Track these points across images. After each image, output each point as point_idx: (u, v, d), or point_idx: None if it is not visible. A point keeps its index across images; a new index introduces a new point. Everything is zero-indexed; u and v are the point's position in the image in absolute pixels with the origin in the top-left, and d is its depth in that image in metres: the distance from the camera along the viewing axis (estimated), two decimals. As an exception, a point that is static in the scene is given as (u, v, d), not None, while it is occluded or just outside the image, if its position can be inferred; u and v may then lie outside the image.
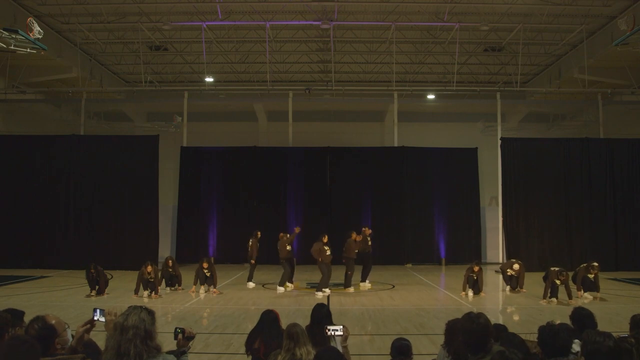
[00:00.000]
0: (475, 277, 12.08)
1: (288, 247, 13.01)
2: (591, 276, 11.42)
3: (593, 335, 2.99)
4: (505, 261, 15.68)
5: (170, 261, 12.83)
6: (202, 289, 12.43)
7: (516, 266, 12.66)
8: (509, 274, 12.76)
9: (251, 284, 13.52)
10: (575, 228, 18.08)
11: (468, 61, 21.56)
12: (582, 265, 11.87)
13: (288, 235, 13.27)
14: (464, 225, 19.78)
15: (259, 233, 14.00)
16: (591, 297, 11.35)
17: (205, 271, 12.41)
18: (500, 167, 18.86)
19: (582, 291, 11.42)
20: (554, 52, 20.43)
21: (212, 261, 13.57)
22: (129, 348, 2.58)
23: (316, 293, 12.02)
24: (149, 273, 11.64)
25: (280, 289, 12.70)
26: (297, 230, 13.43)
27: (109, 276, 12.69)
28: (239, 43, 20.41)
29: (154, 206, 17.92)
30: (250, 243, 13.67)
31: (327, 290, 12.16)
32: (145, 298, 11.54)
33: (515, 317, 10.16)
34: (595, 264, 11.49)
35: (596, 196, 18.20)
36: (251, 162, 19.81)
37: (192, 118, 20.70)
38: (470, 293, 12.05)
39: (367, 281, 13.75)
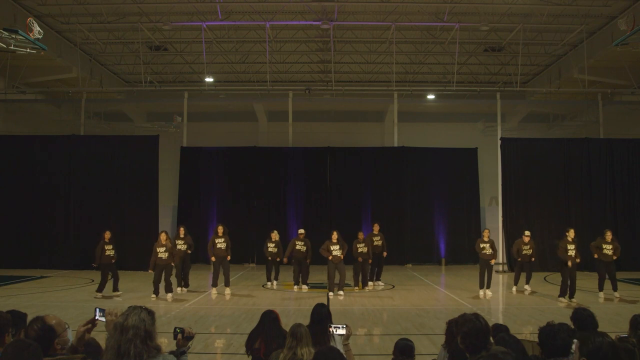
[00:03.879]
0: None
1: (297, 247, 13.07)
2: (607, 246, 11.42)
3: (593, 336, 2.99)
4: (505, 260, 15.65)
5: (182, 230, 12.85)
6: (215, 290, 12.31)
7: (527, 232, 12.71)
8: (524, 252, 12.67)
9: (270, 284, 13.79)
10: (575, 228, 17.96)
11: (468, 61, 21.54)
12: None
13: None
14: (464, 225, 19.78)
15: (273, 235, 13.82)
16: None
17: (220, 241, 12.19)
18: (500, 167, 18.85)
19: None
20: (554, 52, 20.41)
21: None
22: (129, 348, 2.58)
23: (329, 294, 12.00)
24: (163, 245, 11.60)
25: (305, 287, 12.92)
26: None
27: (109, 276, 12.67)
28: (239, 43, 20.40)
29: (154, 206, 17.92)
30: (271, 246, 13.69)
31: (341, 292, 12.07)
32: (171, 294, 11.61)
33: (516, 317, 10.15)
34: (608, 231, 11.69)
35: (596, 196, 18.19)
36: (251, 162, 19.80)
37: (192, 118, 20.69)
38: (489, 292, 12.09)
39: (373, 281, 13.76)
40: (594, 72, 19.02)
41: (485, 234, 12.54)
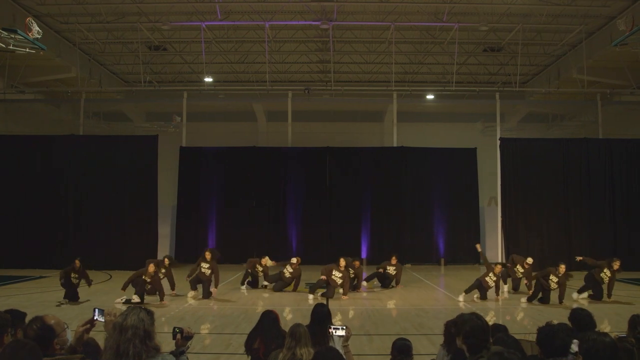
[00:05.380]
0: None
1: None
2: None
3: (591, 335, 2.99)
4: (506, 260, 15.58)
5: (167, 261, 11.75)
6: (193, 294, 11.57)
7: (530, 260, 12.40)
8: (519, 272, 12.62)
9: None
10: (574, 228, 18.11)
11: (467, 61, 21.57)
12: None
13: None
14: (463, 225, 19.79)
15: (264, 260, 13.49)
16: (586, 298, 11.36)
17: (205, 268, 11.50)
18: (499, 167, 18.89)
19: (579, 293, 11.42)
20: (553, 53, 20.44)
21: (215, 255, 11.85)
22: (128, 348, 2.58)
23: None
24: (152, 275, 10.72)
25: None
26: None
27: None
28: (238, 43, 20.41)
29: (154, 206, 17.93)
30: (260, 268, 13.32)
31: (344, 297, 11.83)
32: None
33: (515, 317, 10.16)
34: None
35: (596, 196, 18.23)
36: (251, 162, 19.79)
37: (192, 118, 20.69)
38: (476, 295, 12.01)
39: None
40: (593, 72, 19.06)
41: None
